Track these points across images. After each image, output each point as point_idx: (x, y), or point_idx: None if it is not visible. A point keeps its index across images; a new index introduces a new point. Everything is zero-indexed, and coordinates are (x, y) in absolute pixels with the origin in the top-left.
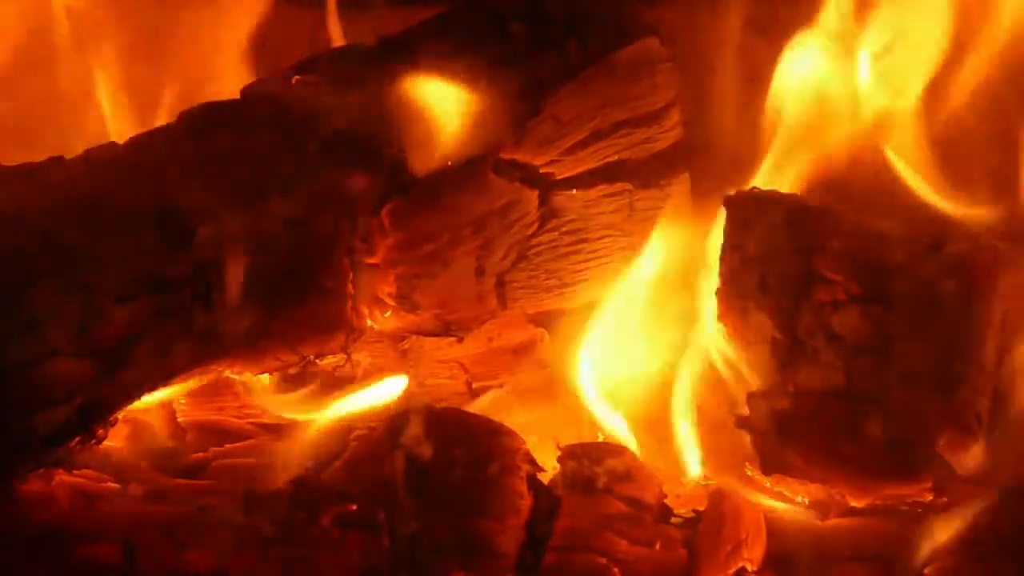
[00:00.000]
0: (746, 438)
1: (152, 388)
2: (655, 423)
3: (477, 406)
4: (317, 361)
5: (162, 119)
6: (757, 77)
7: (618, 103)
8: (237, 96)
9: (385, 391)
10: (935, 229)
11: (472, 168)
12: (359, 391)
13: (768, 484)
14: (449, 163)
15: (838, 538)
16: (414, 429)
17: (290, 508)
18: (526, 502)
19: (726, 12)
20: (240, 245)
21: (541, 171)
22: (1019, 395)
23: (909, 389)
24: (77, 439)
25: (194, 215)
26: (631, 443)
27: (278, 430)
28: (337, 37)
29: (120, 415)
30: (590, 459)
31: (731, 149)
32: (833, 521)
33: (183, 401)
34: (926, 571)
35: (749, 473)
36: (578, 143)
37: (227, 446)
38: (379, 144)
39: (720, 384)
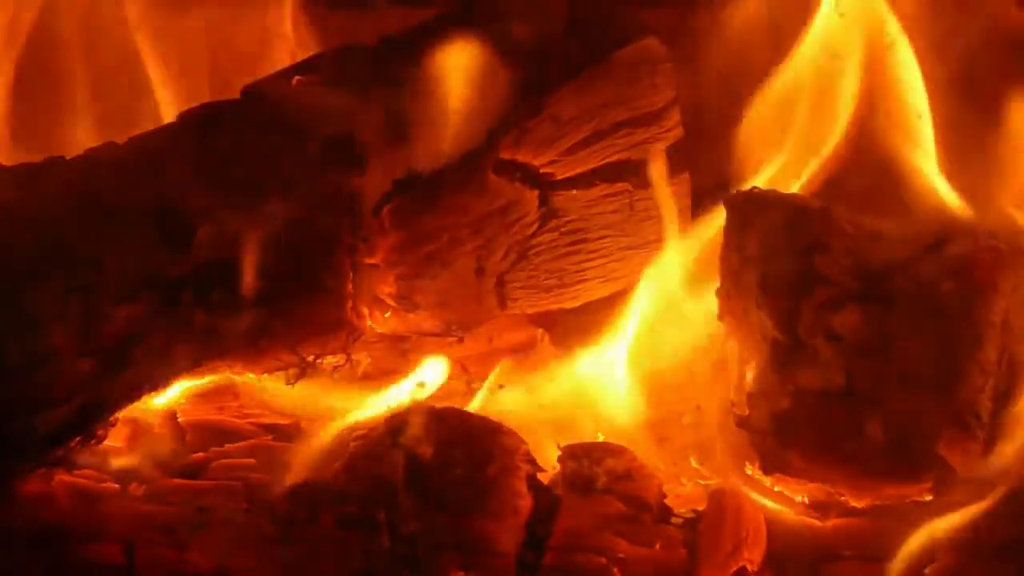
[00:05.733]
0: (746, 438)
1: (152, 388)
2: (656, 423)
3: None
4: (317, 361)
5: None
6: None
7: (618, 103)
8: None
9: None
10: (935, 229)
11: (472, 168)
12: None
13: (768, 484)
14: (449, 163)
15: (838, 538)
16: (414, 429)
17: (290, 508)
18: (526, 502)
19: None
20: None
21: (541, 171)
22: (1019, 395)
23: (909, 389)
24: (77, 439)
25: (194, 215)
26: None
27: (278, 430)
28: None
29: (120, 415)
30: (590, 459)
31: (731, 148)
32: (833, 521)
33: (183, 401)
34: (926, 571)
35: (749, 473)
36: (578, 143)
37: (227, 446)
38: (379, 144)
39: (720, 384)
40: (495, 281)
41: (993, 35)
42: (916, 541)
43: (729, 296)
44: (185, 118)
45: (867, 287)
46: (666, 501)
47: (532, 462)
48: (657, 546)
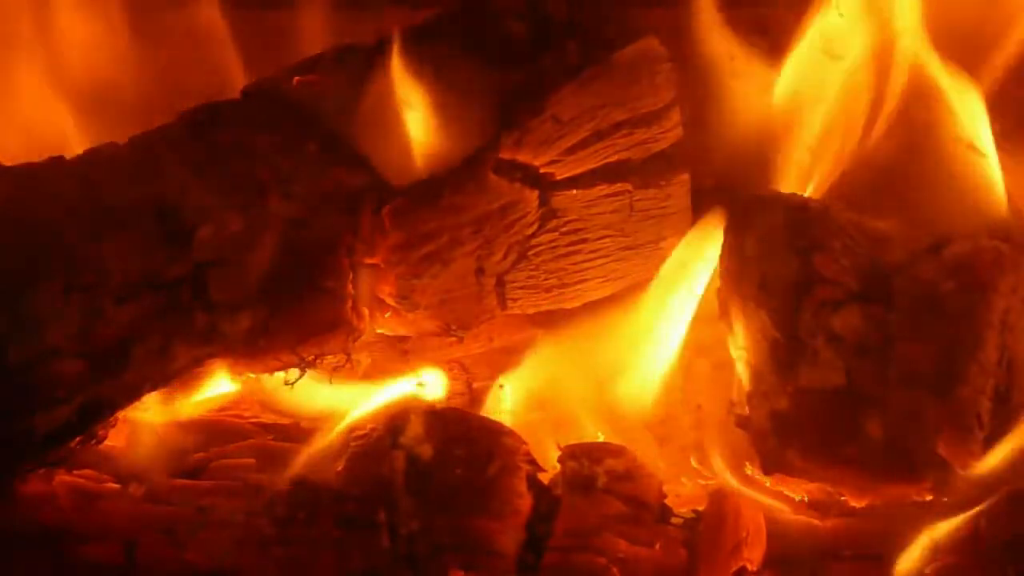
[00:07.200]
0: (746, 438)
1: (152, 388)
2: (655, 423)
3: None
4: (317, 361)
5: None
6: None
7: (618, 103)
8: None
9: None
10: (935, 229)
11: (472, 168)
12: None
13: (768, 484)
14: (449, 163)
15: (838, 538)
16: (414, 429)
17: (290, 508)
18: (526, 502)
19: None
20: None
21: (541, 171)
22: (1019, 395)
23: (909, 389)
24: (77, 439)
25: (194, 215)
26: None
27: (278, 430)
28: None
29: (120, 415)
30: (590, 459)
31: (731, 149)
32: (833, 521)
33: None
34: (926, 571)
35: (749, 473)
36: (578, 143)
37: (227, 446)
38: (379, 144)
39: (720, 384)
40: (495, 281)
41: None
42: (916, 541)
43: (729, 296)
44: (185, 117)
45: (867, 287)
46: (666, 501)
47: (532, 462)
48: (657, 546)
